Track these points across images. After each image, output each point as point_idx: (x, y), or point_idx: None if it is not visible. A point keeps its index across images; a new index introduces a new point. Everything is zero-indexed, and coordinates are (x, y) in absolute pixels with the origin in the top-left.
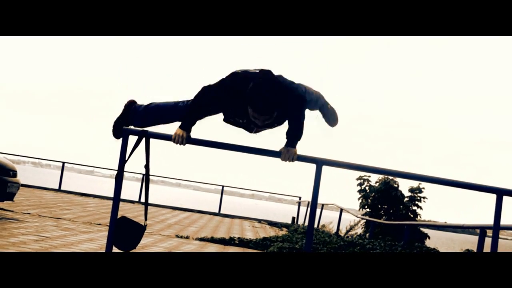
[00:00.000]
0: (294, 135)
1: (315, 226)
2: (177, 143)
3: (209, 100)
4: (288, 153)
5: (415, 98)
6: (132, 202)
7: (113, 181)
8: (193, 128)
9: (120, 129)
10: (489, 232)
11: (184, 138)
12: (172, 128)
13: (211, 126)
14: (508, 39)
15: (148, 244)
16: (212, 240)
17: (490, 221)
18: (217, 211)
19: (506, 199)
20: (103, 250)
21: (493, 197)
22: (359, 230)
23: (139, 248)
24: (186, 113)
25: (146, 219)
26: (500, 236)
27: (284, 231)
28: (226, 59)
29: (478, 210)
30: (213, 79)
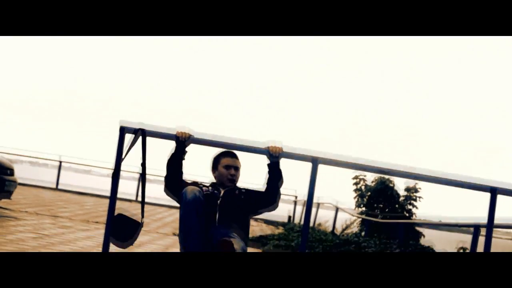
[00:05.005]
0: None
1: (311, 224)
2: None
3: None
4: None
5: (411, 103)
6: (129, 200)
7: (110, 180)
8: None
9: None
10: (483, 231)
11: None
12: (168, 124)
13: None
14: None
15: (145, 241)
16: None
17: (484, 219)
18: None
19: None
20: (101, 247)
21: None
22: (354, 229)
23: (136, 245)
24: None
25: (143, 216)
26: (494, 235)
27: (280, 230)
28: (225, 59)
29: (474, 206)
30: (213, 80)
